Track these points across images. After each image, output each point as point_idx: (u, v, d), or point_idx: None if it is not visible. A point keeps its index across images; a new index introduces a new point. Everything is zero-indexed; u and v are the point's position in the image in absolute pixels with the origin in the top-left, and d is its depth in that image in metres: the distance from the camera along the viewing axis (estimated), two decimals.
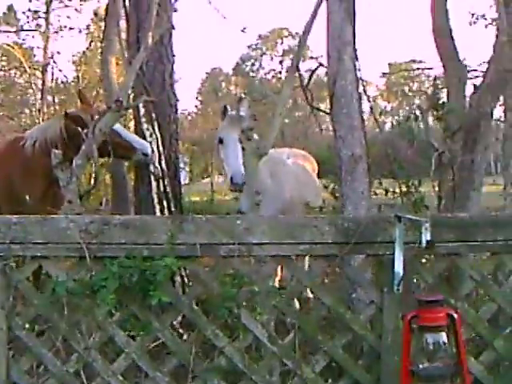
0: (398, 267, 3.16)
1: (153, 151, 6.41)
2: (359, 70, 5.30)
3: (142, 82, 6.81)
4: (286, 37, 55.02)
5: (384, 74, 47.55)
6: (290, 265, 3.26)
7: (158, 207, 6.59)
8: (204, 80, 52.00)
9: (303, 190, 6.46)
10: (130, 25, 7.08)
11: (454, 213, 4.29)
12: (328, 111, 5.30)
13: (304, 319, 3.27)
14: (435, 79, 6.84)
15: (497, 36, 5.45)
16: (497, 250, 3.34)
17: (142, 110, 6.76)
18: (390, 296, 3.22)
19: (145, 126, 6.72)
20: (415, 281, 3.35)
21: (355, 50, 5.20)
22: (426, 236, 2.71)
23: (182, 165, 7.43)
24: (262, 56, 56.15)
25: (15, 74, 24.78)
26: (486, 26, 11.55)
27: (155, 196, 6.60)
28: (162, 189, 6.62)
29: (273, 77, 53.26)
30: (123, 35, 7.45)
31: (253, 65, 56.24)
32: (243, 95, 5.22)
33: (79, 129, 5.56)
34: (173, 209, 6.67)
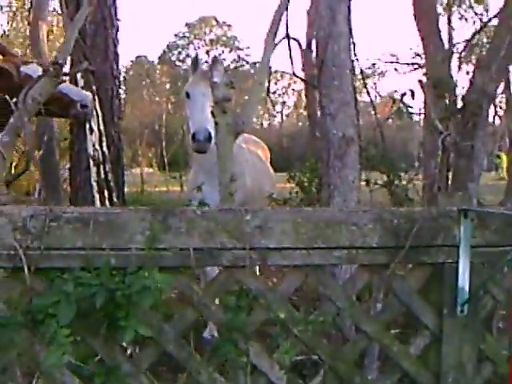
0: (463, 281, 2.31)
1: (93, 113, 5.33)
2: (351, 34, 4.46)
3: (82, 48, 5.72)
4: (214, 26, 54.06)
5: None
6: (322, 278, 2.32)
7: (97, 197, 5.58)
8: (128, 68, 50.17)
9: (260, 179, 5.67)
10: None
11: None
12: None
13: (337, 355, 2.34)
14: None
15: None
16: None
17: (81, 81, 5.69)
18: (451, 320, 2.36)
19: None
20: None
21: (349, 9, 4.33)
22: None
23: None
24: (188, 45, 54.97)
25: None
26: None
27: (94, 184, 5.58)
28: (102, 176, 5.60)
29: None
30: None
31: (179, 53, 54.93)
32: (218, 56, 4.19)
33: (6, 97, 4.46)
34: (115, 200, 5.67)
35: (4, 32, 19.56)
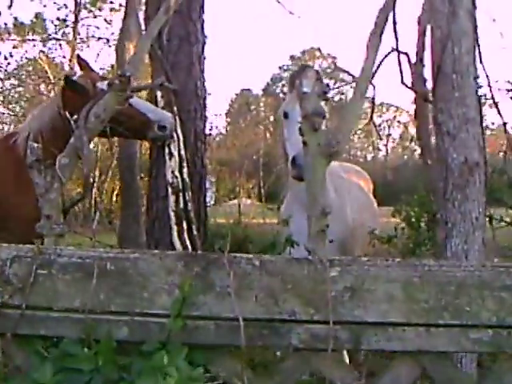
0: None
1: (174, 136, 4.75)
2: (477, 34, 3.58)
3: (162, 65, 5.16)
4: (318, 58, 53.84)
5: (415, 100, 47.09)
6: (450, 372, 1.47)
7: (175, 229, 4.95)
8: (233, 101, 50.85)
9: (363, 213, 4.93)
10: None
11: None
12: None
13: None
14: None
15: None
16: None
17: (161, 102, 5.12)
18: None
19: None
20: None
21: (474, 3, 3.47)
22: None
23: (207, 184, 5.74)
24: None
25: (39, 84, 23.60)
26: None
27: (172, 214, 4.95)
28: (181, 205, 4.97)
29: None
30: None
31: (283, 86, 55.23)
32: (309, 64, 3.44)
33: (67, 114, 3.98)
34: (195, 232, 5.02)
35: (112, 66, 20.08)
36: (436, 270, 1.43)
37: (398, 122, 52.87)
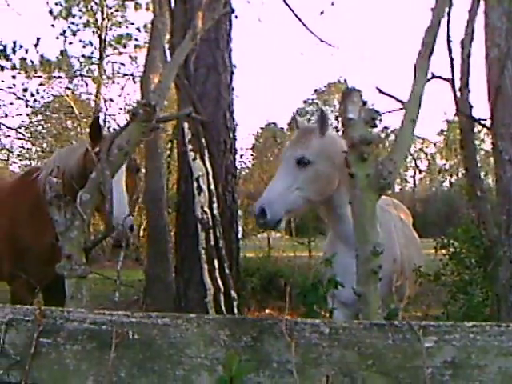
0: None
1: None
2: None
3: (190, 96, 4.92)
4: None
5: (442, 131, 46.91)
6: None
7: (205, 267, 4.67)
8: (259, 135, 51.13)
9: (409, 247, 4.61)
10: (175, 24, 5.29)
11: None
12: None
13: None
14: None
15: None
16: None
17: (189, 134, 4.88)
18: None
19: (191, 155, 4.80)
20: None
21: None
22: None
23: None
24: (317, 111, 55.31)
25: (66, 120, 23.77)
26: None
27: (202, 252, 4.68)
28: (212, 242, 4.70)
29: None
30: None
31: (309, 120, 55.38)
32: (354, 87, 3.10)
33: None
34: (227, 270, 4.72)
35: (137, 102, 20.25)
36: None
37: (425, 153, 52.56)
